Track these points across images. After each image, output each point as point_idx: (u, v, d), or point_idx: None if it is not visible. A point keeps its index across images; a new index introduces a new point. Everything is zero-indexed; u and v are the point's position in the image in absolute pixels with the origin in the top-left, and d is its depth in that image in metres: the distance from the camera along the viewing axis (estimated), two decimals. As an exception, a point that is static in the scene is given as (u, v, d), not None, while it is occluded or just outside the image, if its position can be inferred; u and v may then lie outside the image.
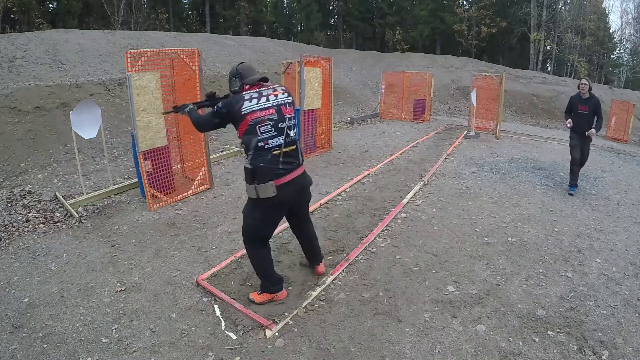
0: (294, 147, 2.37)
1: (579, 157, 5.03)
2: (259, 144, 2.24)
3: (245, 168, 2.30)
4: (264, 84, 2.42)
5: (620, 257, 3.29)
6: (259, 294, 2.61)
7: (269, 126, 2.26)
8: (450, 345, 2.22)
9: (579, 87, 5.03)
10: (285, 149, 2.30)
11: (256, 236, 2.49)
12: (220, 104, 2.35)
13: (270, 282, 2.57)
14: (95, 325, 2.42)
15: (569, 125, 4.97)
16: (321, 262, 2.91)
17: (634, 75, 27.96)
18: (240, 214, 4.15)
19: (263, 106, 2.27)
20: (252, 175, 2.25)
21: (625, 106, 12.80)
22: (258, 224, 2.42)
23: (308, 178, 2.52)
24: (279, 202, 2.32)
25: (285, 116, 2.33)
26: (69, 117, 4.36)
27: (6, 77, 8.06)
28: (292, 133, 2.36)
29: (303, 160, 2.49)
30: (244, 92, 2.32)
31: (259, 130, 2.24)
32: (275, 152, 2.26)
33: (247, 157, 2.29)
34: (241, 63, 2.49)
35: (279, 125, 2.29)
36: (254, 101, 2.27)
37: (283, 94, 2.38)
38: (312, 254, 2.84)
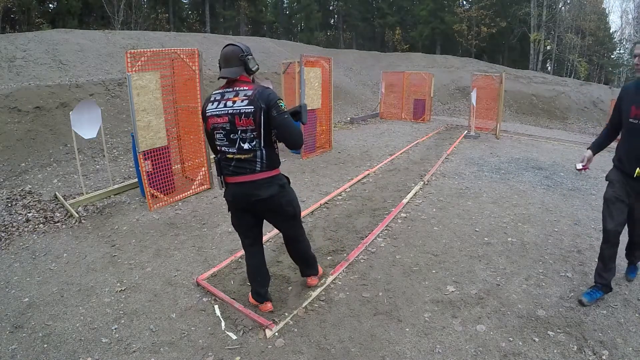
0: (250, 155, 2.16)
1: (613, 228, 2.49)
2: (217, 147, 2.26)
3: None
4: (237, 80, 2.17)
5: (620, 257, 3.27)
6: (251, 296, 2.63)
7: (221, 134, 2.18)
8: (450, 345, 2.22)
9: (634, 66, 2.40)
10: (238, 156, 2.17)
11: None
12: None
13: (252, 288, 2.56)
14: (95, 325, 2.42)
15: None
16: (311, 276, 2.76)
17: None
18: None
19: (219, 112, 2.14)
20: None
21: (625, 106, 12.77)
22: (230, 217, 2.46)
23: (262, 190, 2.19)
24: (228, 199, 2.32)
25: (238, 128, 2.12)
26: (69, 117, 4.36)
27: (6, 77, 8.07)
28: (246, 145, 2.14)
29: (266, 168, 2.20)
30: (214, 92, 2.22)
31: (216, 136, 2.22)
32: (228, 156, 2.21)
33: None
34: (226, 46, 2.22)
35: (231, 136, 2.15)
36: (215, 104, 2.17)
37: (242, 101, 2.09)
38: (300, 265, 2.76)
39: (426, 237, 3.62)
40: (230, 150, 2.18)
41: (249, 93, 2.11)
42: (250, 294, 2.61)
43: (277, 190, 2.25)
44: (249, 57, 2.19)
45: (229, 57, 2.17)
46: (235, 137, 2.15)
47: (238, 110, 2.10)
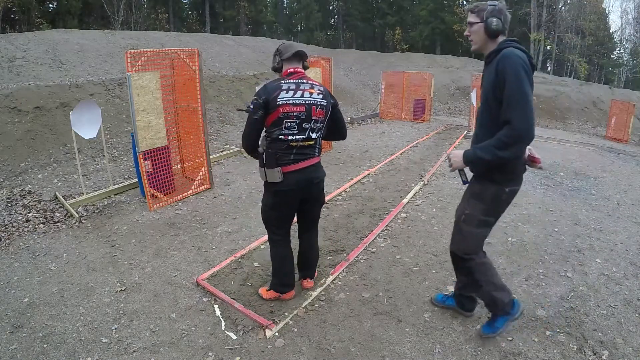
0: (312, 142, 2.31)
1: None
2: (280, 137, 2.23)
3: (259, 152, 2.32)
4: (302, 74, 2.32)
5: (620, 257, 3.29)
6: (267, 290, 2.63)
7: (294, 123, 2.21)
8: (450, 345, 2.22)
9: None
10: (302, 143, 2.27)
11: (268, 224, 2.49)
12: (255, 96, 2.22)
13: (278, 280, 2.56)
14: (95, 325, 2.42)
15: None
16: (308, 279, 2.75)
17: (634, 75, 27.97)
18: (239, 213, 4.16)
19: (296, 101, 2.20)
20: (262, 159, 2.28)
21: (625, 106, 12.80)
22: (268, 210, 2.44)
23: (320, 171, 2.42)
24: (286, 189, 2.28)
25: (313, 118, 2.25)
26: (69, 117, 4.36)
27: (6, 77, 8.07)
28: (314, 135, 2.30)
29: (320, 153, 2.41)
30: (282, 81, 2.25)
31: (285, 124, 2.21)
32: (292, 144, 2.24)
33: (266, 142, 2.30)
34: (283, 43, 2.48)
35: (304, 125, 2.23)
36: (290, 93, 2.20)
37: (318, 94, 2.27)
38: (303, 265, 2.74)
39: (426, 237, 3.62)
40: (296, 137, 2.24)
41: (322, 89, 2.33)
42: (268, 290, 2.61)
43: (325, 172, 2.49)
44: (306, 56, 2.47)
45: (294, 44, 2.45)
46: (307, 127, 2.26)
47: (316, 102, 2.27)
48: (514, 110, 1.74)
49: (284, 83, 2.24)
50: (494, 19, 1.85)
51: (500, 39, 1.91)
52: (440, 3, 27.93)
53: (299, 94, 2.21)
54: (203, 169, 4.95)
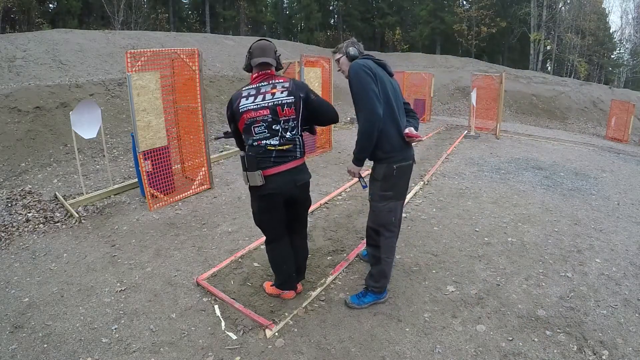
0: (291, 145, 2.27)
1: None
2: (254, 143, 2.23)
3: (240, 156, 2.34)
4: (268, 74, 2.28)
5: (620, 257, 3.29)
6: (271, 285, 2.66)
7: (262, 127, 2.20)
8: (450, 345, 2.22)
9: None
10: (280, 147, 2.24)
11: (261, 227, 2.49)
12: (226, 110, 2.37)
13: (278, 279, 2.59)
14: (95, 325, 2.42)
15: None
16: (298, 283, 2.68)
17: (634, 75, 27.96)
18: (239, 213, 4.16)
19: (258, 105, 2.20)
20: (243, 162, 2.28)
21: (625, 106, 12.80)
22: (257, 215, 2.43)
23: (305, 174, 2.37)
24: (269, 192, 2.26)
25: (280, 118, 2.21)
26: (69, 117, 4.36)
27: (6, 77, 8.05)
28: (288, 134, 2.25)
29: (302, 154, 2.35)
30: (244, 88, 2.28)
31: (254, 130, 2.22)
32: (269, 148, 2.22)
33: (246, 147, 2.32)
34: (259, 40, 2.37)
35: (273, 127, 2.21)
36: (250, 99, 2.22)
37: (282, 92, 2.22)
38: (298, 272, 2.70)
39: (426, 237, 3.62)
40: (271, 142, 2.22)
41: (286, 85, 2.25)
42: (272, 285, 2.65)
43: (310, 175, 2.44)
44: (280, 55, 2.39)
45: (266, 48, 2.29)
46: (277, 128, 2.23)
47: (280, 102, 2.21)
48: (357, 104, 2.24)
49: (245, 90, 2.27)
50: (351, 48, 2.41)
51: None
52: (440, 3, 27.94)
53: (259, 98, 2.21)
54: (203, 169, 4.94)
